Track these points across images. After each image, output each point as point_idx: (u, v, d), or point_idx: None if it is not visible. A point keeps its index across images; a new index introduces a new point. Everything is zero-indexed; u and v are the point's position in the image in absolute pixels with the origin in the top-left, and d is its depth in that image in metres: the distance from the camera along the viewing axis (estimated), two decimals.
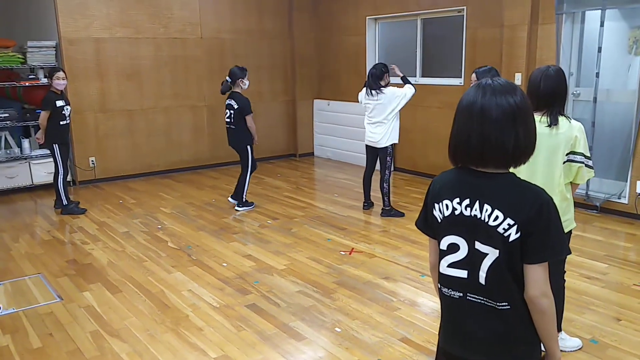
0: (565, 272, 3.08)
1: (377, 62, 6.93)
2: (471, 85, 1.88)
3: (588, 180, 2.90)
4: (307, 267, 4.48)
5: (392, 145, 5.69)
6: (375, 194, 6.04)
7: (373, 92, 5.57)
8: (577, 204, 3.57)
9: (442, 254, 1.65)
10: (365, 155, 5.99)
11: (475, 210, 1.56)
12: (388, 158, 5.70)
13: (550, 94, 2.75)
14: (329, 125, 9.06)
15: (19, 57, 6.82)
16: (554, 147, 2.75)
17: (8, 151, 7.06)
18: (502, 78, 1.61)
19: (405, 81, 5.69)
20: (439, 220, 1.65)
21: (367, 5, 8.13)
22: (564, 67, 5.68)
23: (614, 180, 5.68)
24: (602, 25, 5.41)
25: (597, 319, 3.52)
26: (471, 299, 1.60)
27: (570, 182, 2.86)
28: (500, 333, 1.57)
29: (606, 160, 5.70)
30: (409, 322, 3.53)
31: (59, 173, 6.04)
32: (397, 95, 5.53)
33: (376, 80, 5.58)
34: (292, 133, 9.32)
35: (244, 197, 6.19)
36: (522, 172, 1.65)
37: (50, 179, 6.52)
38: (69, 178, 6.52)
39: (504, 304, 1.55)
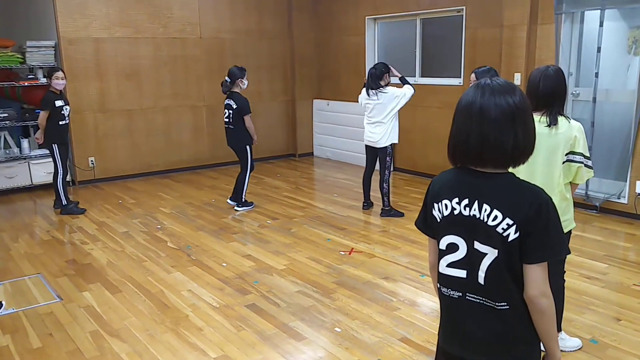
0: (565, 272, 3.08)
1: (376, 62, 6.93)
2: (470, 85, 1.89)
3: (587, 180, 2.90)
4: (306, 267, 4.48)
5: (391, 145, 5.69)
6: (375, 194, 6.04)
7: (373, 92, 5.57)
8: (576, 204, 3.57)
9: (442, 253, 1.65)
10: (364, 155, 5.99)
11: (474, 210, 1.56)
12: (388, 158, 5.70)
13: (550, 94, 2.75)
14: (329, 125, 9.06)
15: (18, 57, 6.82)
16: (554, 147, 2.75)
17: (7, 151, 7.06)
18: (501, 78, 1.61)
19: (403, 82, 5.69)
20: (438, 220, 1.65)
21: (366, 5, 8.13)
22: (564, 67, 5.68)
23: (613, 180, 5.69)
24: (601, 25, 5.42)
25: (597, 319, 3.52)
26: (470, 298, 1.60)
27: (570, 182, 2.86)
28: (499, 333, 1.58)
29: (605, 160, 5.70)
30: (408, 322, 3.53)
31: (58, 173, 6.04)
32: (396, 95, 5.53)
33: (376, 80, 5.58)
34: (291, 133, 9.32)
35: (244, 197, 6.19)
36: (521, 172, 1.65)
37: (49, 179, 6.52)
38: (68, 178, 6.52)
39: (503, 303, 1.55)
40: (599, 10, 5.44)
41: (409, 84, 5.64)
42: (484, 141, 1.51)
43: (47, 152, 6.35)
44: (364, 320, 3.57)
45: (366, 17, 8.17)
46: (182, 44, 7.97)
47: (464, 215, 1.58)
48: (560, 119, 2.76)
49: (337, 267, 4.47)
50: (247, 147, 6.07)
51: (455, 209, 1.60)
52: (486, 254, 1.55)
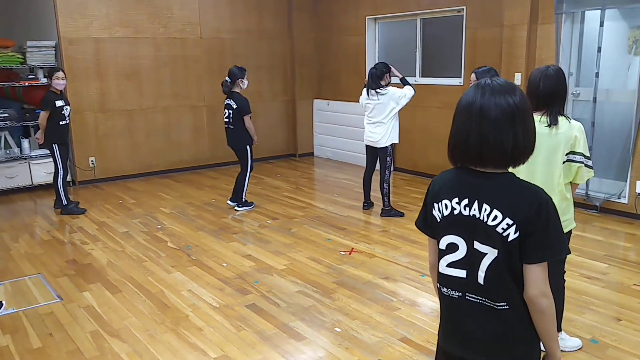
0: (565, 272, 3.08)
1: (377, 62, 6.92)
2: (470, 85, 1.89)
3: (588, 180, 2.90)
4: (306, 267, 4.48)
5: (391, 145, 5.69)
6: (375, 194, 6.04)
7: (373, 91, 5.56)
8: (576, 204, 3.57)
9: (441, 253, 1.65)
10: (365, 155, 5.99)
11: (474, 210, 1.56)
12: (388, 158, 5.70)
13: (550, 93, 2.75)
14: (329, 125, 9.06)
15: (18, 57, 6.82)
16: (554, 147, 2.75)
17: (8, 151, 7.06)
18: (502, 78, 1.61)
19: (404, 82, 5.68)
20: (438, 220, 1.65)
21: (366, 5, 8.13)
22: (564, 67, 5.68)
23: (613, 180, 5.68)
24: (601, 25, 5.41)
25: (597, 319, 3.52)
26: (470, 298, 1.60)
27: (570, 182, 2.86)
28: (499, 333, 1.57)
29: (606, 160, 5.70)
30: (408, 322, 3.53)
31: (58, 173, 6.04)
32: (397, 95, 5.53)
33: (376, 80, 5.58)
34: (291, 133, 9.32)
35: (244, 197, 6.19)
36: (521, 171, 1.65)
37: (49, 179, 6.52)
38: (68, 178, 6.52)
39: (503, 303, 1.55)
40: (599, 10, 5.44)
41: (409, 85, 5.63)
42: (484, 141, 1.51)
43: (48, 152, 6.35)
44: (364, 320, 3.57)
45: (366, 17, 8.17)
46: (182, 44, 7.97)
47: (464, 215, 1.58)
48: (561, 118, 2.76)
49: (337, 267, 4.47)
50: (248, 147, 6.07)
51: (455, 209, 1.60)
52: (486, 253, 1.55)
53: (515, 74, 6.06)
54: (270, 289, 4.07)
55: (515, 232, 1.50)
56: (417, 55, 7.64)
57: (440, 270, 1.67)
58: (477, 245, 1.57)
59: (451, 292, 1.64)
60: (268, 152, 8.93)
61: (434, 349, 1.88)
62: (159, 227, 5.63)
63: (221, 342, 3.34)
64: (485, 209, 1.54)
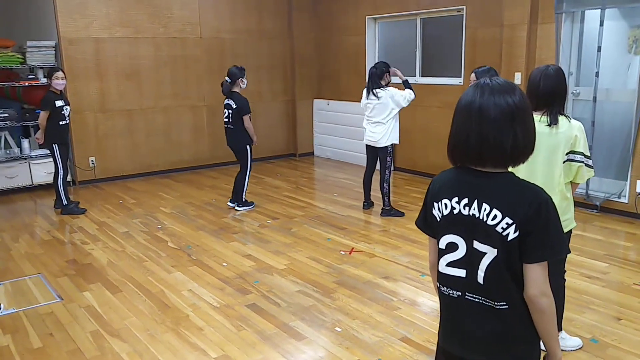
0: (565, 271, 3.08)
1: (377, 61, 6.91)
2: (470, 85, 1.89)
3: (588, 179, 2.90)
4: (307, 267, 4.48)
5: (392, 145, 5.69)
6: (375, 193, 6.04)
7: (374, 91, 5.56)
8: (577, 204, 3.57)
9: (441, 253, 1.65)
10: (365, 155, 5.99)
11: (474, 209, 1.56)
12: (388, 158, 5.70)
13: (550, 93, 2.75)
14: (329, 125, 9.06)
15: (18, 57, 6.82)
16: (554, 147, 2.75)
17: (8, 151, 7.06)
18: (501, 78, 1.61)
19: (406, 86, 5.68)
20: (438, 220, 1.65)
21: (366, 5, 8.12)
22: (564, 66, 5.68)
23: (613, 179, 5.68)
24: (601, 24, 5.41)
25: (598, 318, 3.52)
26: (470, 298, 1.60)
27: (570, 182, 2.86)
28: (499, 332, 1.57)
29: (606, 160, 5.70)
30: (409, 322, 3.53)
31: (58, 173, 6.04)
32: (397, 97, 5.53)
33: (376, 79, 5.58)
34: (291, 133, 9.32)
35: (244, 196, 6.19)
36: (521, 171, 1.65)
37: (50, 179, 6.52)
38: (68, 178, 6.53)
39: (502, 303, 1.55)
40: (599, 10, 5.44)
41: (411, 89, 5.63)
42: (483, 141, 1.51)
43: (48, 152, 6.36)
44: (364, 319, 3.57)
45: (366, 17, 8.17)
46: (182, 44, 7.97)
47: (464, 214, 1.58)
48: (561, 118, 2.76)
49: (337, 267, 4.47)
50: (247, 146, 6.06)
51: (454, 209, 1.60)
52: (485, 253, 1.55)
53: (515, 73, 6.06)
54: (271, 289, 4.07)
55: (514, 232, 1.50)
56: (417, 55, 7.64)
57: (440, 269, 1.67)
58: (477, 245, 1.57)
59: (451, 292, 1.64)
60: (268, 152, 8.93)
61: (434, 348, 1.88)
62: (159, 227, 5.63)
63: (221, 341, 3.34)
64: (485, 209, 1.54)
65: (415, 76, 7.57)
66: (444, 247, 1.64)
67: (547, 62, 3.98)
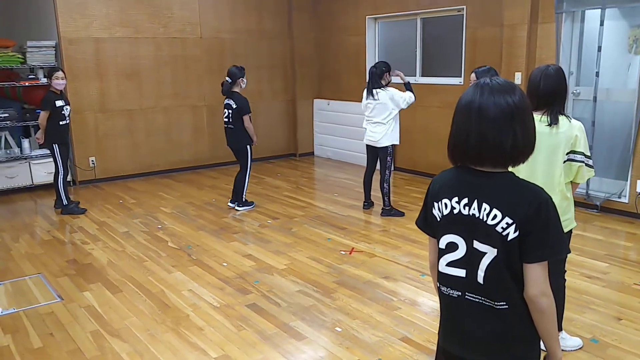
0: (565, 271, 3.08)
1: (377, 61, 6.91)
2: (470, 84, 1.88)
3: (588, 179, 2.90)
4: (307, 267, 4.48)
5: (392, 145, 5.68)
6: (376, 193, 6.04)
7: (374, 91, 5.56)
8: (577, 203, 3.57)
9: (441, 252, 1.65)
10: (365, 155, 5.99)
11: (474, 209, 1.56)
12: (388, 158, 5.70)
13: (550, 93, 2.75)
14: (329, 125, 9.06)
15: (18, 57, 6.82)
16: (554, 147, 2.75)
17: (8, 151, 7.06)
18: (501, 77, 1.61)
19: (408, 88, 5.67)
20: (438, 219, 1.65)
21: (366, 4, 8.12)
22: (564, 66, 5.68)
23: (614, 179, 5.68)
24: (602, 24, 5.41)
25: (598, 318, 3.52)
26: (470, 298, 1.60)
27: (571, 182, 2.86)
28: (498, 332, 1.57)
29: (606, 160, 5.70)
30: (409, 322, 3.53)
31: (59, 173, 6.04)
32: (399, 97, 5.53)
33: (377, 78, 5.58)
34: (292, 132, 9.32)
35: (244, 196, 6.19)
36: (522, 171, 1.65)
37: (50, 179, 6.52)
38: (69, 178, 6.53)
39: (502, 303, 1.55)
40: (599, 9, 5.44)
41: (412, 92, 5.63)
42: (483, 141, 1.51)
43: (48, 152, 6.35)
44: (364, 319, 3.57)
45: (366, 17, 8.17)
46: (182, 44, 7.97)
47: (464, 214, 1.58)
48: (561, 118, 2.76)
49: (337, 267, 4.47)
50: (247, 146, 6.06)
51: (454, 208, 1.60)
52: (485, 253, 1.55)
53: (516, 73, 6.06)
54: (271, 289, 4.07)
55: (514, 231, 1.50)
56: (417, 54, 7.64)
57: (440, 269, 1.67)
58: (477, 245, 1.56)
59: (451, 292, 1.64)
60: (268, 152, 8.93)
61: (435, 348, 1.88)
62: (159, 226, 5.63)
63: (222, 341, 3.34)
64: (485, 208, 1.54)
65: (415, 76, 7.57)
66: (444, 247, 1.64)
67: (547, 62, 3.98)
